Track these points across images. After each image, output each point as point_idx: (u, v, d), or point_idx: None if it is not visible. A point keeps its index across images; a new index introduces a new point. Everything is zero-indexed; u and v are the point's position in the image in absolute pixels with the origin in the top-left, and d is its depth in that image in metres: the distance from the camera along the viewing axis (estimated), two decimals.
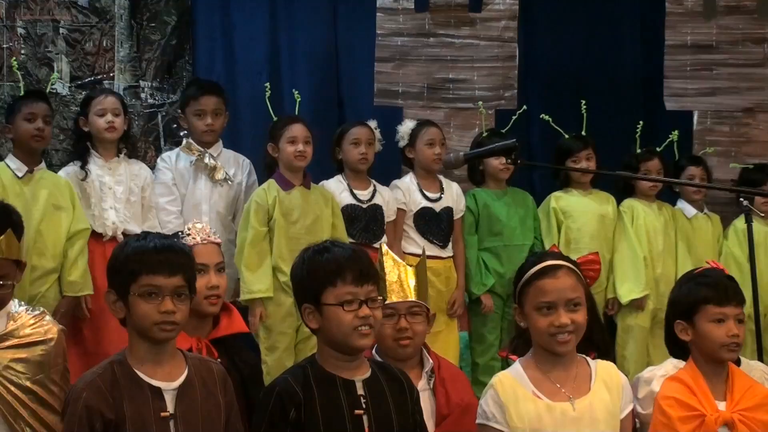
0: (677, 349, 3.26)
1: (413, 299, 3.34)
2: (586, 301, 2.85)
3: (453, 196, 5.29)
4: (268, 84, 5.05)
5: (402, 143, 5.29)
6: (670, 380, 3.15)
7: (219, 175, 4.99)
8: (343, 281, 2.70)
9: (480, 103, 5.58)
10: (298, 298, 2.81)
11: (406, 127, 5.29)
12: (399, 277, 3.35)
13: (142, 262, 2.65)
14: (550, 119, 5.44)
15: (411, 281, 3.35)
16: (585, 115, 5.46)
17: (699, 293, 3.17)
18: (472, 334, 5.31)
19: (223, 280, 3.32)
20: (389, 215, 5.13)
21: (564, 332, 2.78)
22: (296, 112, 5.04)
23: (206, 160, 4.96)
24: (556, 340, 2.79)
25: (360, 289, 2.70)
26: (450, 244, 5.23)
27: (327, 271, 2.71)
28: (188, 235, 3.28)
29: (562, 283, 2.81)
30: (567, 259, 2.92)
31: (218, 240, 3.37)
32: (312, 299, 2.74)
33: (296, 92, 5.08)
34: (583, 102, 5.45)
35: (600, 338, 3.19)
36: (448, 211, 5.23)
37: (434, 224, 5.19)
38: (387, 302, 3.26)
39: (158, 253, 2.66)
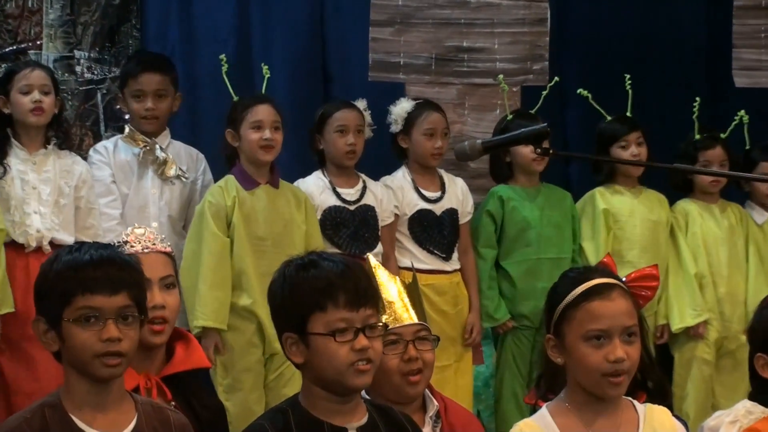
0: (762, 388, 3.23)
1: (419, 322, 3.29)
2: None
3: (457, 194, 5.30)
4: (223, 57, 5.04)
5: (395, 128, 5.27)
6: None
7: (171, 171, 5.00)
8: (335, 304, 2.63)
9: (500, 77, 5.55)
10: (278, 325, 2.75)
11: (401, 108, 5.27)
12: (399, 295, 3.31)
13: (76, 279, 2.60)
14: (590, 96, 5.43)
15: (407, 300, 3.32)
16: (630, 92, 5.46)
17: None
18: (498, 368, 5.33)
19: (172, 298, 3.23)
20: (384, 218, 5.15)
21: (619, 369, 2.72)
22: (263, 91, 5.04)
23: (157, 152, 4.97)
24: (607, 380, 2.73)
25: (356, 314, 2.64)
26: (455, 255, 5.24)
27: (314, 292, 2.65)
28: (126, 242, 3.19)
29: (617, 307, 2.76)
30: (616, 276, 2.88)
31: (166, 249, 3.28)
32: (295, 327, 2.67)
33: (265, 67, 5.07)
34: (628, 77, 5.45)
35: (652, 376, 3.09)
36: (452, 213, 5.24)
37: (434, 230, 5.19)
38: (389, 327, 3.20)
39: (96, 267, 2.61)
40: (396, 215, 5.19)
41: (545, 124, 3.50)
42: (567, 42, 6.07)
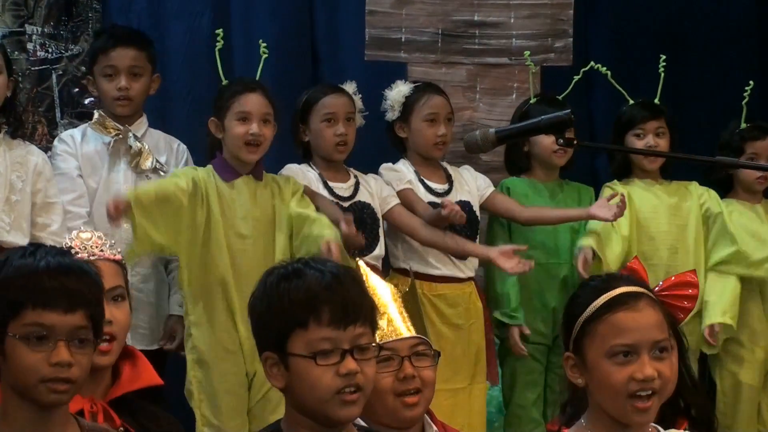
0: None
1: (416, 334, 3.27)
2: (673, 345, 2.78)
3: (465, 184, 5.30)
4: (220, 31, 5.01)
5: (391, 116, 5.24)
6: None
7: (147, 163, 4.97)
8: (318, 321, 2.61)
9: (527, 53, 5.54)
10: (258, 342, 2.73)
11: (398, 92, 5.25)
12: (393, 304, 3.30)
13: (27, 289, 2.60)
14: (609, 73, 5.36)
15: (403, 309, 3.30)
16: (662, 75, 5.42)
17: None
18: (504, 392, 5.35)
19: (121, 312, 3.26)
20: (385, 206, 5.15)
21: (647, 391, 2.72)
22: (258, 75, 5.01)
23: (130, 141, 4.93)
24: (633, 403, 2.72)
25: (342, 333, 2.62)
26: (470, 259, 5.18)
27: (295, 306, 2.63)
28: (70, 248, 3.19)
29: (645, 319, 2.76)
30: (643, 284, 2.87)
31: (116, 256, 3.31)
32: (275, 346, 2.66)
33: (263, 44, 5.04)
34: (663, 57, 5.42)
35: (695, 400, 3.12)
36: (464, 206, 5.18)
37: (446, 227, 5.12)
38: (381, 341, 3.13)
39: (52, 277, 2.61)
40: (410, 191, 5.15)
41: (568, 110, 3.48)
42: (595, 15, 6.07)
